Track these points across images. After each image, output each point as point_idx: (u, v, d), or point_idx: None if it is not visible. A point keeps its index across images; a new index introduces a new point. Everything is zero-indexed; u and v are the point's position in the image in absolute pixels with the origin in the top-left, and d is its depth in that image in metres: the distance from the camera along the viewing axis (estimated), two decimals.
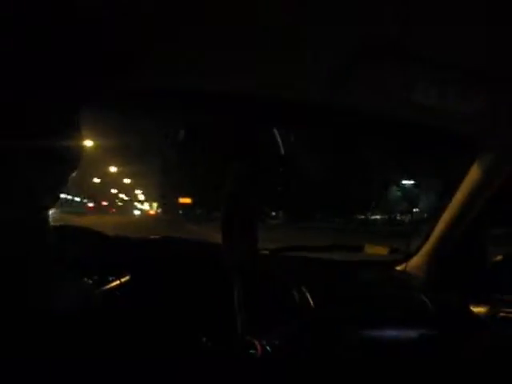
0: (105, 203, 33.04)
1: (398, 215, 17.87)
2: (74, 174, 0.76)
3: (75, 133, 0.73)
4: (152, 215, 30.05)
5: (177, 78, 1.05)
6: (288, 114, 1.14)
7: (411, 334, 1.15)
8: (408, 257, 1.40)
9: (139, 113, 1.38)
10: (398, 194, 16.05)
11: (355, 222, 18.11)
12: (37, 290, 0.64)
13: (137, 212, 35.58)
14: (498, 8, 0.72)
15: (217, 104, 1.13)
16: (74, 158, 0.73)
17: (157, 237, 1.51)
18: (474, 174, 1.20)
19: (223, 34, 0.84)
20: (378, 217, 19.01)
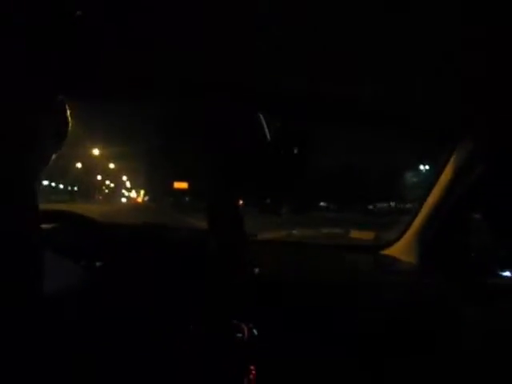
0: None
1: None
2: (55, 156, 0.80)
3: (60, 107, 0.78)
4: (139, 203, 30.00)
5: (166, 66, 1.11)
6: (284, 103, 1.21)
7: (396, 316, 1.24)
8: (393, 241, 1.49)
9: (123, 96, 1.43)
10: (414, 180, 15.88)
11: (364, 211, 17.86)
12: (27, 267, 0.70)
13: (123, 199, 35.56)
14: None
15: (202, 89, 1.20)
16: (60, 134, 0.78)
17: (144, 223, 1.58)
18: (454, 162, 1.29)
19: (218, 27, 0.91)
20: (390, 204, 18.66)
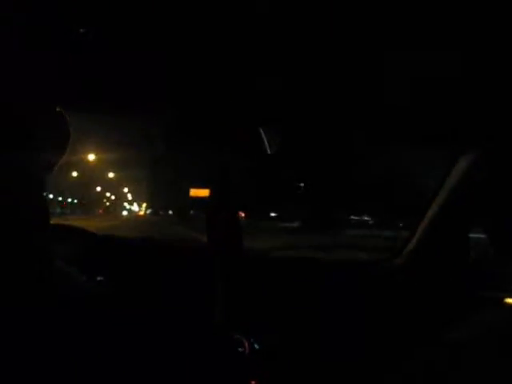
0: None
1: None
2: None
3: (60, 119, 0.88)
4: (141, 216, 30.13)
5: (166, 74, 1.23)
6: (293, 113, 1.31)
7: (391, 333, 1.32)
8: (392, 257, 1.56)
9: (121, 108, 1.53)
10: None
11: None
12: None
13: (124, 213, 35.70)
14: None
15: (203, 100, 1.31)
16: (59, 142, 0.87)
17: (144, 236, 1.69)
18: (454, 175, 1.37)
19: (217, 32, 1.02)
20: None
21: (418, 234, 1.47)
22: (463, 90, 1.14)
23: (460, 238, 1.41)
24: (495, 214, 1.31)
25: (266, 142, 1.30)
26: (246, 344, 1.22)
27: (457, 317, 1.30)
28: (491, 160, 1.27)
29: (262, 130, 1.30)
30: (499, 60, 1.04)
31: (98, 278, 1.39)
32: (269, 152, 1.31)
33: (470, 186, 1.34)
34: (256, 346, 1.23)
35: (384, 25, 0.99)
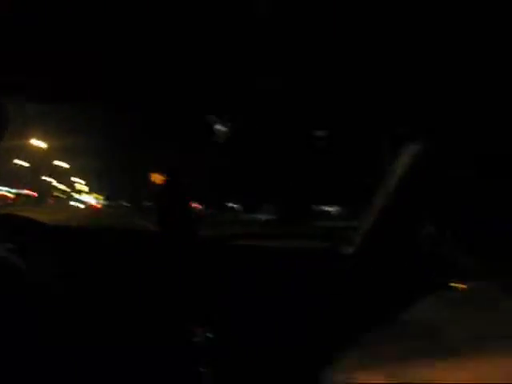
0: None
1: None
2: None
3: None
4: (96, 209, 29.30)
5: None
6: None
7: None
8: (342, 245, 1.61)
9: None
10: None
11: None
12: None
13: (78, 204, 34.69)
14: None
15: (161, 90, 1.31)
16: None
17: (98, 226, 1.68)
18: (399, 169, 1.43)
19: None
20: None
21: (365, 222, 1.52)
22: (412, 83, 1.20)
23: (408, 226, 1.47)
24: (442, 206, 1.37)
25: (219, 132, 1.32)
26: (200, 332, 1.25)
27: (406, 301, 1.36)
28: (434, 152, 1.33)
29: (214, 120, 1.32)
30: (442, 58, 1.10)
31: (43, 268, 1.38)
32: (219, 141, 1.33)
33: (416, 177, 1.39)
34: (210, 336, 1.26)
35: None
